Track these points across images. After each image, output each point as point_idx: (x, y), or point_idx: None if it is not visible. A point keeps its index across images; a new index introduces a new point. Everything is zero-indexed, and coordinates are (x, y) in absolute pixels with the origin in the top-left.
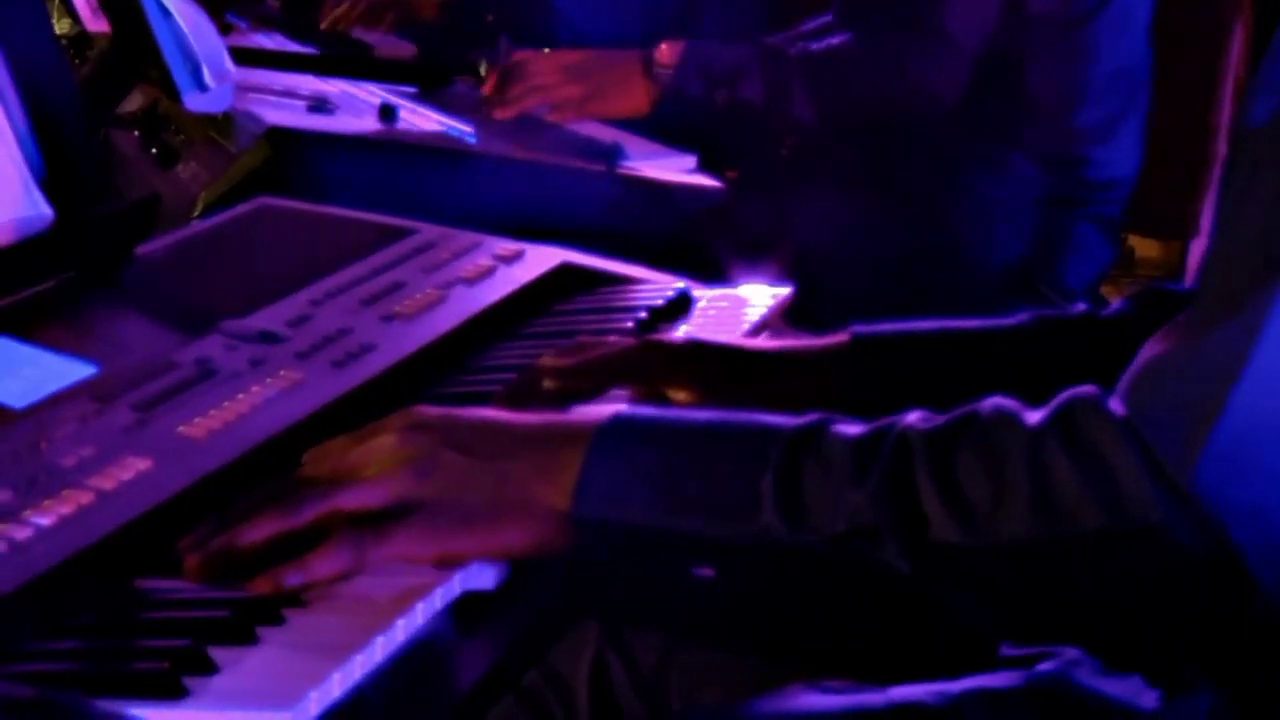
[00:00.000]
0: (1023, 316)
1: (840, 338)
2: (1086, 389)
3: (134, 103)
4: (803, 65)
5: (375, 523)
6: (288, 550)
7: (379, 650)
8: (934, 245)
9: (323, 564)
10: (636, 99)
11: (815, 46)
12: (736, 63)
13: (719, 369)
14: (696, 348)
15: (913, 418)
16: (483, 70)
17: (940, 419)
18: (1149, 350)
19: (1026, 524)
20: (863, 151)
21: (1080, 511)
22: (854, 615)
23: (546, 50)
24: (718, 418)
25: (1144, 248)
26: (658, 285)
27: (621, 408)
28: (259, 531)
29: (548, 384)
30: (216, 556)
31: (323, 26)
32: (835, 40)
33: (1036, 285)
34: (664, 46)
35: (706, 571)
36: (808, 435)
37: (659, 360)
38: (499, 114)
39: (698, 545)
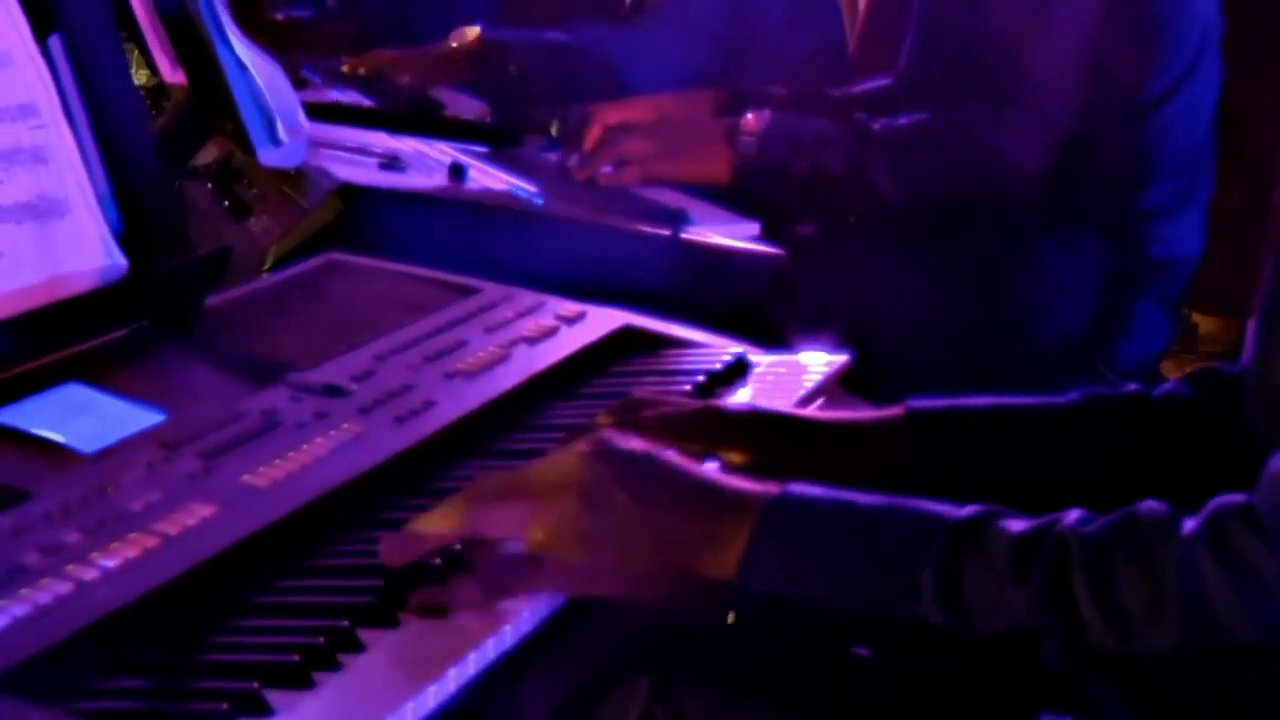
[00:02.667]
0: (1076, 395)
1: (895, 411)
2: (1235, 498)
3: (209, 155)
4: (886, 141)
5: (519, 556)
6: None
7: (431, 698)
8: (996, 318)
9: (459, 594)
10: (716, 167)
11: (901, 122)
12: (821, 134)
13: (775, 437)
14: (754, 415)
15: (1072, 517)
16: (554, 130)
17: (1099, 522)
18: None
19: (1180, 633)
20: (928, 222)
21: (1233, 623)
22: (908, 680)
23: (621, 104)
24: (883, 503)
25: (1207, 324)
26: (716, 350)
27: (791, 485)
28: (421, 542)
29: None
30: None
31: (344, 69)
32: (920, 117)
33: (1095, 362)
34: (750, 116)
35: (863, 651)
36: (971, 530)
37: (717, 425)
38: (577, 175)
39: (854, 626)
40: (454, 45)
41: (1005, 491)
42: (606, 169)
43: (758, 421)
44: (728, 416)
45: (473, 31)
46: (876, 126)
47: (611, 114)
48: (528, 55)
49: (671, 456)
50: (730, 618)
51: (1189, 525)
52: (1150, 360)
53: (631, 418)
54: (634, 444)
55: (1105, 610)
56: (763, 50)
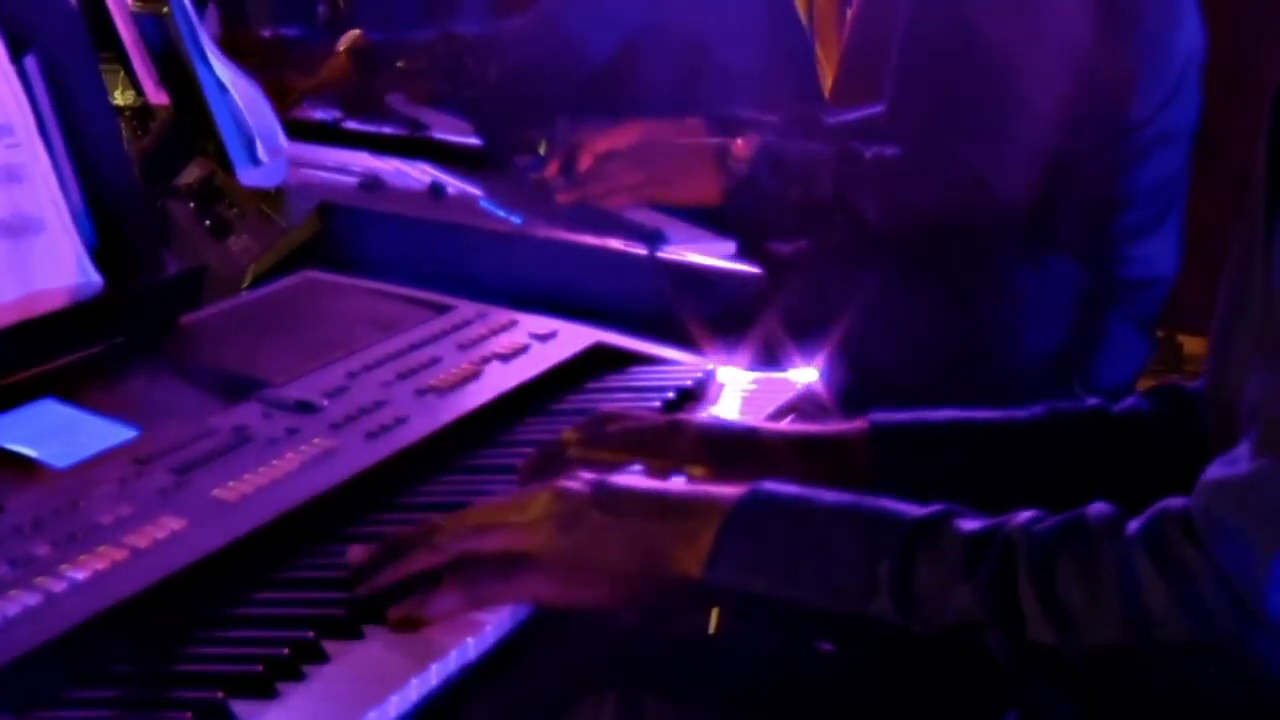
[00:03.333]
0: (1037, 409)
1: (859, 424)
2: (1176, 502)
3: (192, 174)
4: (876, 170)
5: (500, 566)
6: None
7: (393, 708)
8: (971, 338)
9: (439, 602)
10: (707, 189)
11: (889, 152)
12: (811, 160)
13: (739, 450)
14: (717, 429)
15: (1023, 517)
16: (542, 149)
17: (1048, 521)
18: (1216, 470)
19: (1117, 631)
20: (905, 243)
21: (1168, 623)
22: (878, 692)
23: (611, 130)
24: (848, 500)
25: (1192, 344)
26: (686, 367)
27: (763, 483)
28: (404, 568)
29: (572, 454)
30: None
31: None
32: (909, 146)
33: (1071, 382)
34: (740, 141)
35: (828, 646)
36: (927, 526)
37: (681, 439)
38: (562, 198)
39: (814, 621)
40: (340, 49)
41: (967, 503)
42: (595, 195)
43: (722, 435)
44: (692, 430)
45: (355, 36)
46: (867, 154)
47: (601, 142)
48: (407, 54)
49: (638, 477)
50: (712, 627)
51: (1131, 527)
52: (1128, 380)
53: (597, 432)
54: (595, 474)
55: (1047, 606)
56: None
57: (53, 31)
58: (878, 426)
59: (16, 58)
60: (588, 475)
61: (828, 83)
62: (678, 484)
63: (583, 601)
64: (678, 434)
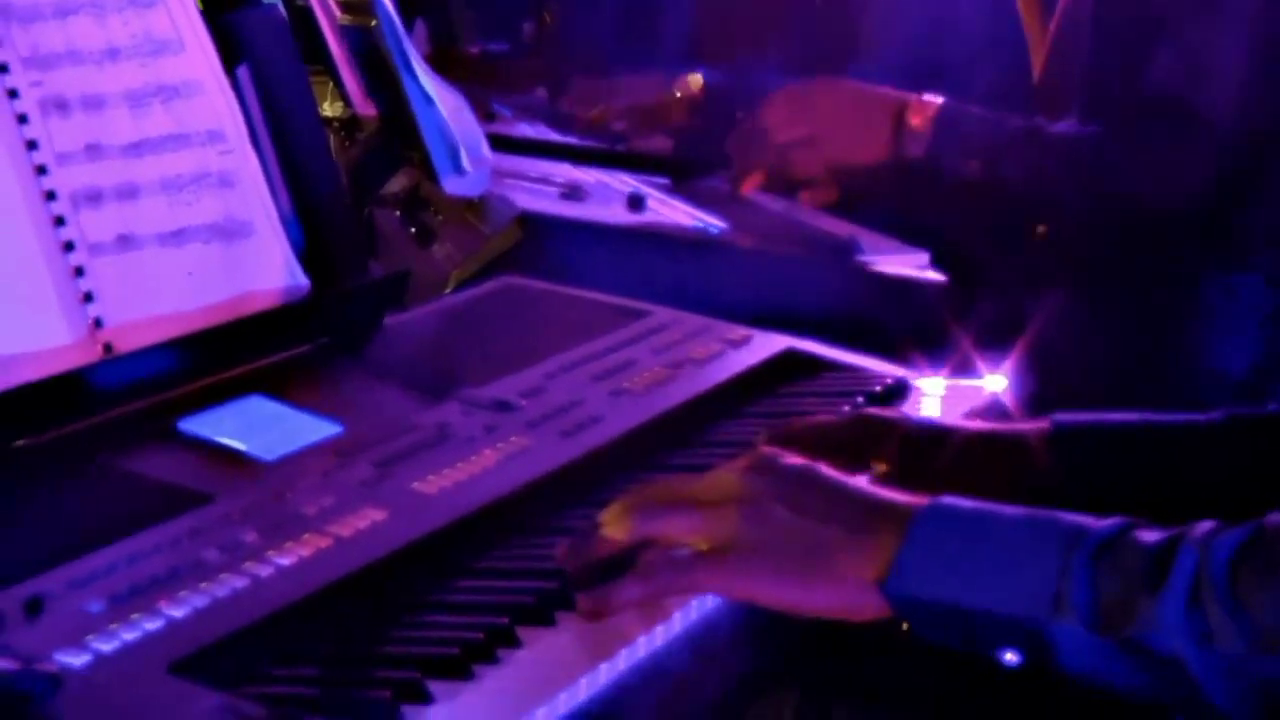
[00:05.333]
0: (1217, 414)
1: (1042, 424)
2: None
3: (398, 183)
4: (1063, 150)
5: (680, 558)
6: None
7: (583, 691)
8: (1159, 356)
9: (622, 593)
10: (875, 150)
11: (1068, 130)
12: (995, 139)
13: (923, 444)
14: (904, 423)
15: (1204, 528)
16: None
17: (1229, 533)
18: None
19: None
20: (1099, 257)
21: None
22: (1060, 697)
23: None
24: (1026, 513)
25: None
26: (876, 373)
27: (941, 497)
28: (592, 551)
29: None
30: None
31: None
32: (1087, 128)
33: (1264, 402)
34: (914, 105)
35: (1014, 659)
36: (1109, 541)
37: (868, 432)
38: (736, 190)
39: (997, 634)
40: (678, 95)
41: (1147, 505)
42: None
43: (907, 429)
44: (879, 424)
45: (696, 81)
46: (1053, 133)
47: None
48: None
49: (826, 471)
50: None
51: None
52: None
53: (787, 429)
54: (791, 460)
55: (1234, 616)
56: (949, 81)
57: (264, 44)
58: (1060, 426)
59: (230, 69)
60: (779, 461)
61: (1038, 64)
62: (863, 485)
63: (758, 599)
64: (865, 427)
